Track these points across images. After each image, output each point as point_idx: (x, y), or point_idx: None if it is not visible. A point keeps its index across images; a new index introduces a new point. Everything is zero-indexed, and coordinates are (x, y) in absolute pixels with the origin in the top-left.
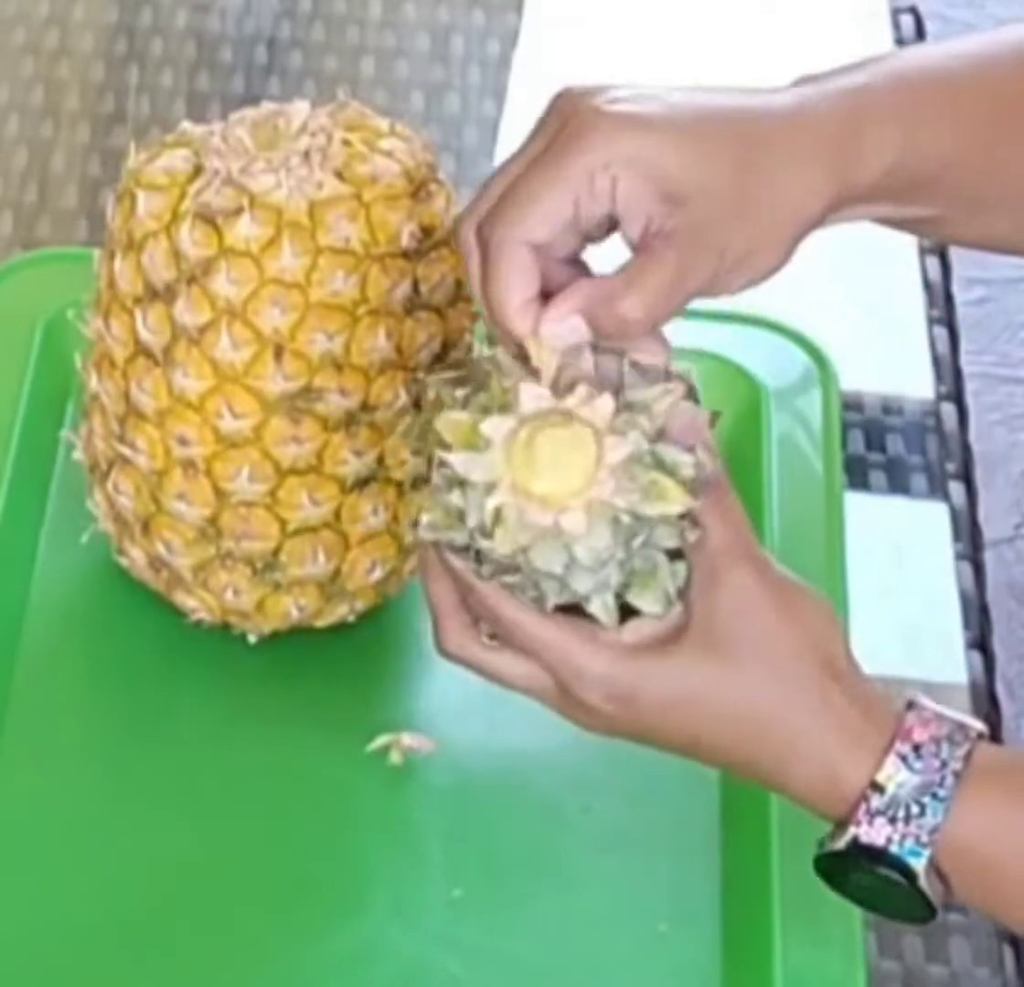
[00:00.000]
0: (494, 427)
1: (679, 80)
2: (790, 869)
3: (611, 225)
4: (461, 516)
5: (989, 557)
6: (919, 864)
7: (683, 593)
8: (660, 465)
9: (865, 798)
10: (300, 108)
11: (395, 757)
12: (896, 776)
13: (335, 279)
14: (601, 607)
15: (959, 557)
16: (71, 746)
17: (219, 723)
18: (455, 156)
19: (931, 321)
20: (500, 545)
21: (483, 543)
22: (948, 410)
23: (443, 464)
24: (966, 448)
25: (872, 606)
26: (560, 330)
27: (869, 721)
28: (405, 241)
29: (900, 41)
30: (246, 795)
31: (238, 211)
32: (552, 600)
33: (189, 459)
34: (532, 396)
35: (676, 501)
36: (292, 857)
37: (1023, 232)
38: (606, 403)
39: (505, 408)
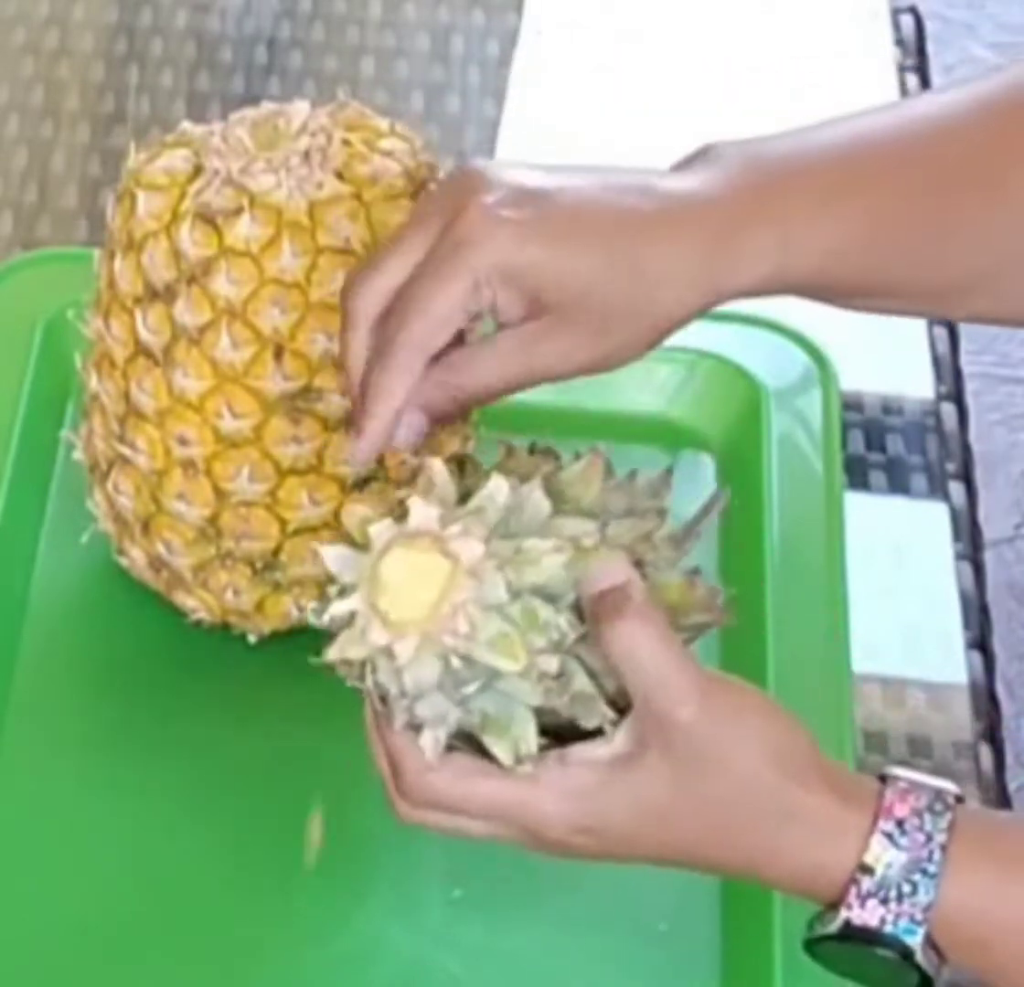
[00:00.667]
0: (378, 532)
1: (679, 80)
2: None
3: None
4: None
5: (989, 557)
6: (915, 941)
7: (540, 755)
8: (529, 620)
9: (854, 881)
10: (300, 108)
11: None
12: (884, 856)
13: (335, 279)
14: (430, 740)
15: (959, 557)
16: (71, 746)
17: (219, 723)
18: (455, 156)
19: (931, 321)
20: (334, 650)
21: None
22: (948, 410)
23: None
24: (966, 448)
25: (872, 606)
26: (409, 435)
27: (847, 807)
28: None
29: (900, 41)
30: (246, 795)
31: (238, 211)
32: (399, 718)
33: (189, 459)
34: (420, 514)
35: (514, 659)
36: (292, 857)
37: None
38: (475, 546)
39: (402, 516)
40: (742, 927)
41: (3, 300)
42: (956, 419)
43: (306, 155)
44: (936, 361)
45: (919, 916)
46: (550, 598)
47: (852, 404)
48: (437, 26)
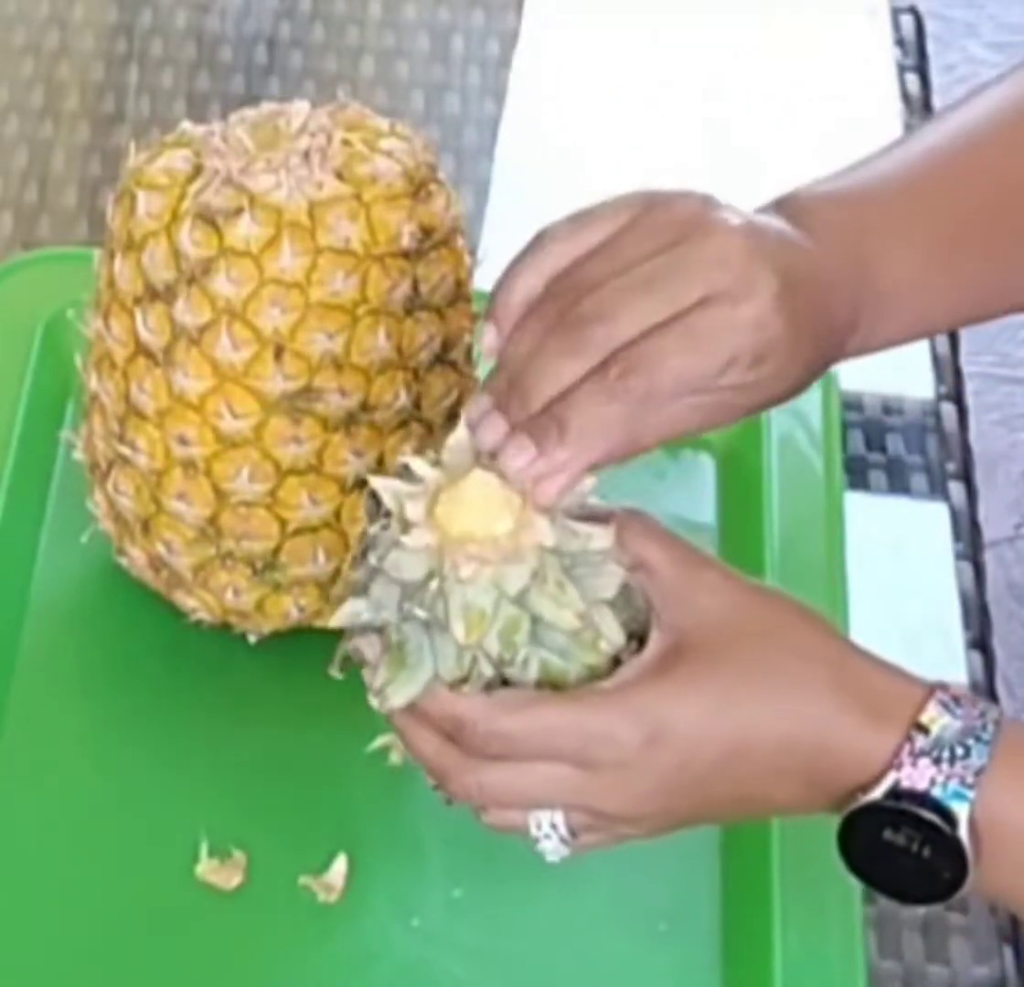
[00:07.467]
0: (420, 466)
1: (680, 80)
2: (790, 868)
3: None
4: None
5: (989, 557)
6: (962, 808)
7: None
8: (511, 625)
9: (909, 739)
10: (300, 108)
11: (395, 757)
12: (940, 718)
13: (335, 279)
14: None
15: (959, 557)
16: (70, 746)
17: (219, 723)
18: (455, 156)
19: None
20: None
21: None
22: (948, 410)
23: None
24: (966, 448)
25: (872, 606)
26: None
27: (904, 680)
28: (405, 241)
29: (900, 41)
30: (246, 795)
31: (238, 211)
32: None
33: (189, 459)
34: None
35: (570, 608)
36: (292, 857)
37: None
38: (545, 530)
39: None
40: (742, 927)
41: (3, 300)
42: (956, 419)
43: (306, 155)
44: (936, 361)
45: (970, 779)
46: (542, 633)
47: (852, 404)
48: (437, 26)
